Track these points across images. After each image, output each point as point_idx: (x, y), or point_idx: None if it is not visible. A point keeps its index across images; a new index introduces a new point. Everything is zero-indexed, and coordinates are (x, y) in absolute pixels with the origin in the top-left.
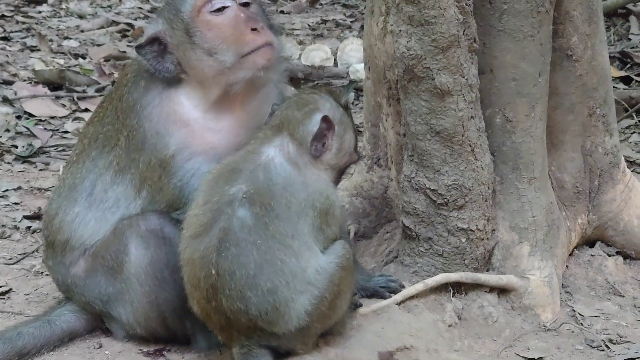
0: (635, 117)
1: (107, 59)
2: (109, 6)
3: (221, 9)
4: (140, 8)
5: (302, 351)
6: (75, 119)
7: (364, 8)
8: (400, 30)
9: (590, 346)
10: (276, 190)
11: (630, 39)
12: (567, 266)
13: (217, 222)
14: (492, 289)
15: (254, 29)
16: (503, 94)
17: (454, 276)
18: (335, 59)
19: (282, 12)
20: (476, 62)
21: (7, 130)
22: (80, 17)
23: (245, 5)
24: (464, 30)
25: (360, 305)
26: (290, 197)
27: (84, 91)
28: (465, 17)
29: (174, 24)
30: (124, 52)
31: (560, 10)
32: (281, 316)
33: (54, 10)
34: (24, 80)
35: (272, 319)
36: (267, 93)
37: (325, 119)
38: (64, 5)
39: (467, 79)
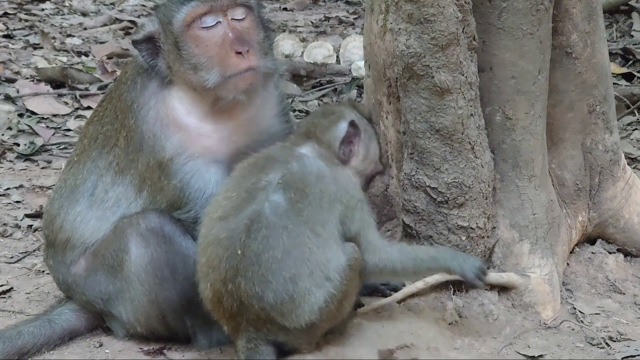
0: (637, 114)
1: (110, 57)
2: (112, 4)
3: (212, 25)
4: (144, 5)
5: (305, 350)
6: (78, 116)
7: None
8: (400, 28)
9: (591, 344)
10: (310, 179)
11: (632, 36)
12: (567, 264)
13: (250, 204)
14: (492, 287)
15: (238, 53)
16: (502, 91)
17: None
18: (337, 56)
19: (285, 9)
20: (475, 60)
21: (10, 128)
22: (83, 14)
23: (240, 19)
24: (463, 28)
25: (362, 304)
26: (323, 187)
27: (87, 89)
28: (464, 15)
29: (166, 32)
30: (127, 49)
31: (559, 8)
32: (295, 308)
33: (57, 8)
34: (27, 78)
35: (285, 310)
36: (266, 95)
37: (352, 123)
38: (66, 3)
39: (466, 76)
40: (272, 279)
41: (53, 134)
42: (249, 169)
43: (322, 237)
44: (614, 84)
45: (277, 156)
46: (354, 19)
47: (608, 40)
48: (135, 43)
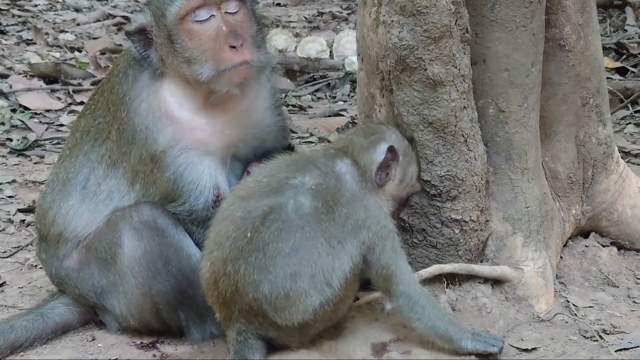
0: (630, 107)
1: (103, 52)
2: None
3: (205, 19)
4: (137, 1)
5: (297, 348)
6: (71, 112)
7: None
8: (393, 21)
9: (584, 337)
10: (342, 200)
11: (626, 30)
12: (561, 257)
13: (276, 195)
14: (486, 280)
15: (232, 47)
16: (496, 84)
17: (447, 267)
18: (331, 51)
19: (278, 4)
20: (468, 53)
21: (2, 124)
22: (76, 10)
23: (233, 12)
24: (456, 21)
25: (357, 298)
26: (350, 212)
27: (80, 84)
28: (457, 7)
29: (159, 25)
30: (120, 45)
31: (552, 0)
32: (288, 306)
33: (50, 4)
34: (20, 74)
35: (279, 306)
36: (259, 89)
37: (390, 149)
38: None
39: (459, 69)
40: (273, 270)
41: (46, 129)
42: (288, 164)
43: (335, 249)
44: (607, 78)
45: (319, 164)
46: (348, 14)
47: (602, 35)
48: (127, 34)
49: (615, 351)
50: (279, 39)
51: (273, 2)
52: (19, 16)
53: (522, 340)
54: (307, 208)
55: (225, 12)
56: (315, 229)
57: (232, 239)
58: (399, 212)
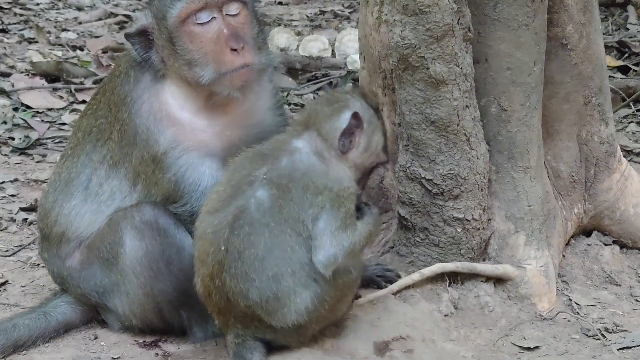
0: (632, 106)
1: (105, 51)
2: None
3: (207, 21)
4: (139, 0)
5: (297, 348)
6: (73, 110)
7: None
8: (395, 20)
9: (587, 335)
10: (296, 175)
11: (628, 29)
12: (563, 255)
13: (236, 199)
14: (488, 278)
15: (233, 49)
16: (498, 83)
17: (450, 266)
18: (333, 50)
19: (280, 3)
20: (471, 51)
21: (4, 122)
22: (78, 9)
23: (234, 15)
24: (459, 19)
25: (359, 296)
26: (308, 182)
27: (82, 83)
28: (459, 6)
29: (160, 27)
30: (122, 43)
31: None
32: (280, 307)
33: (52, 2)
34: (22, 72)
35: (271, 309)
36: (260, 89)
37: (355, 115)
38: None
39: (461, 68)
40: (255, 276)
41: (48, 128)
42: (241, 163)
43: (303, 236)
44: (609, 76)
45: (268, 151)
46: (349, 12)
47: (604, 34)
48: (128, 36)
49: (618, 350)
50: (280, 38)
51: (275, 1)
52: (21, 15)
53: (525, 338)
54: (266, 202)
55: (227, 15)
56: (279, 221)
57: (211, 254)
58: (364, 182)
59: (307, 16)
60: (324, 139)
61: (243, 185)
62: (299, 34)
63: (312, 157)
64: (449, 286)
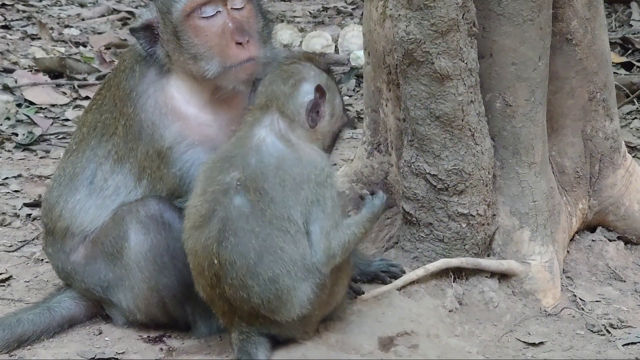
0: (636, 102)
1: (107, 47)
2: None
3: (212, 15)
4: None
5: (302, 340)
6: (76, 106)
7: None
8: (400, 15)
9: (591, 331)
10: (269, 172)
11: (631, 25)
12: (568, 251)
13: (216, 212)
14: (492, 274)
15: (238, 43)
16: (503, 78)
17: (454, 261)
18: (336, 46)
19: None
20: (476, 46)
21: (8, 119)
22: (81, 5)
23: (239, 8)
24: (463, 14)
25: (363, 292)
26: (284, 175)
27: (85, 79)
28: (464, 0)
29: (165, 21)
30: (125, 40)
31: None
32: (284, 304)
33: None
34: (25, 69)
35: (274, 307)
36: None
37: (317, 88)
38: None
39: (466, 63)
40: (253, 282)
41: (51, 124)
42: (210, 171)
43: (290, 233)
44: (613, 73)
45: (233, 152)
46: (352, 9)
47: (607, 30)
48: (133, 31)
49: (623, 345)
50: (284, 34)
51: None
52: (24, 11)
53: (529, 334)
54: (246, 208)
55: (232, 8)
56: (263, 225)
57: (206, 268)
58: (332, 147)
59: (310, 12)
60: (288, 119)
61: (218, 195)
62: (302, 30)
63: (279, 145)
64: (453, 282)
